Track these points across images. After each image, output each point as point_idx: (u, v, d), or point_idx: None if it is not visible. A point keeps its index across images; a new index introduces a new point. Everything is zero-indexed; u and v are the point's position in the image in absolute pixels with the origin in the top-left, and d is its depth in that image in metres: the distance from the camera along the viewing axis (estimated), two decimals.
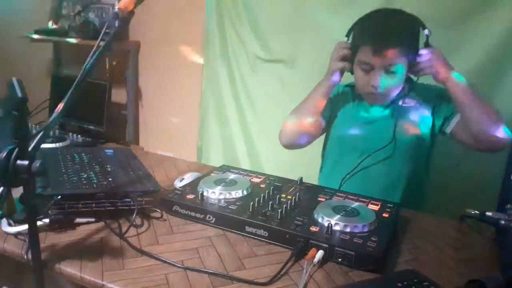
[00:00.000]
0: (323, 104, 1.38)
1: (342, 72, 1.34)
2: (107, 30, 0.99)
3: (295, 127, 1.40)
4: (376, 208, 1.13)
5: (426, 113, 1.35)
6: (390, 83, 1.27)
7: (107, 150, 1.42)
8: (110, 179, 1.15)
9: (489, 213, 1.08)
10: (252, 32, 2.07)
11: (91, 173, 1.18)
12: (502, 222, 1.04)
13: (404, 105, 1.34)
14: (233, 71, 2.16)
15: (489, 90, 1.59)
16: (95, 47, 0.93)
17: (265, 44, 2.05)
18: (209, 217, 1.07)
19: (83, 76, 0.91)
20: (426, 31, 1.25)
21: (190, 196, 1.13)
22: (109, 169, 1.23)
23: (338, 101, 1.46)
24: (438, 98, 1.34)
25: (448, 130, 1.33)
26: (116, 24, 1.05)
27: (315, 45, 1.90)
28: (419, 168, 1.40)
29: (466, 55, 1.61)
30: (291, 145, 1.44)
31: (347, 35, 1.32)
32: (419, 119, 1.35)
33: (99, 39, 0.95)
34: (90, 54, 0.93)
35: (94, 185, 1.10)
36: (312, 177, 1.48)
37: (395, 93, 1.32)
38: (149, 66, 2.46)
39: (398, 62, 1.24)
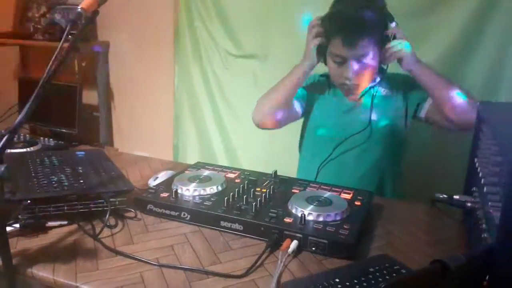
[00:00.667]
0: (301, 83, 1.38)
1: (319, 54, 1.34)
2: (71, 31, 0.98)
3: (270, 102, 1.39)
4: (348, 197, 1.15)
5: (399, 100, 1.39)
6: (362, 74, 1.30)
7: (78, 153, 1.40)
8: (81, 181, 1.14)
9: (456, 197, 1.12)
10: (222, 28, 2.07)
11: (62, 175, 1.16)
12: (468, 204, 1.07)
13: (377, 93, 1.37)
14: (206, 67, 2.16)
15: (456, 74, 1.65)
16: (58, 48, 0.92)
17: (236, 39, 2.06)
18: (184, 214, 1.07)
19: (47, 78, 0.90)
20: (393, 24, 1.28)
21: (164, 195, 1.13)
22: (80, 171, 1.22)
23: (314, 91, 1.48)
24: (409, 86, 1.38)
25: (422, 114, 1.37)
26: (80, 24, 1.04)
27: (287, 38, 1.91)
28: (394, 154, 1.43)
29: (433, 43, 1.68)
30: (265, 123, 1.43)
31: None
32: (392, 106, 1.39)
33: (62, 41, 0.94)
34: (53, 56, 0.92)
35: (65, 188, 1.09)
36: (290, 171, 1.50)
37: (368, 83, 1.35)
38: (120, 66, 2.44)
39: (369, 52, 1.26)
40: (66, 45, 0.94)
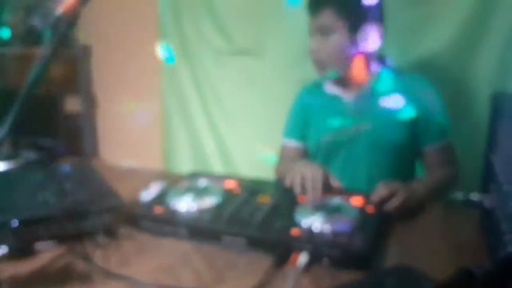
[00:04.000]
0: None
1: None
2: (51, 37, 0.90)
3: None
4: (358, 203, 1.09)
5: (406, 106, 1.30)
6: (324, 47, 1.24)
7: (63, 167, 1.31)
8: (69, 198, 1.05)
9: (473, 196, 1.06)
10: (213, 24, 1.97)
11: (48, 193, 1.07)
12: (486, 204, 1.02)
13: (381, 83, 1.31)
14: (195, 67, 2.06)
15: (462, 65, 1.58)
16: (40, 56, 0.84)
17: (228, 36, 1.95)
18: (182, 230, 0.99)
19: (28, 90, 0.82)
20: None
21: (159, 209, 1.05)
22: (67, 187, 1.13)
23: (311, 111, 1.42)
24: (425, 106, 1.29)
25: (426, 148, 1.32)
26: (60, 29, 0.96)
27: (282, 34, 1.83)
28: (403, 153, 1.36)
29: (437, 33, 1.59)
30: None
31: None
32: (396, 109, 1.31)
33: (43, 47, 0.86)
34: (34, 65, 0.84)
35: (52, 207, 1.00)
36: None
37: (337, 61, 1.27)
38: (103, 71, 2.34)
39: (332, 25, 1.21)
40: (46, 51, 0.87)
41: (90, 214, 1.00)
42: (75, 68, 2.28)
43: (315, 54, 1.27)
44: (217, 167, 2.11)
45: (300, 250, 0.89)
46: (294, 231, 0.93)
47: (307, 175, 1.11)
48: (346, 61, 1.27)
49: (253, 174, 1.98)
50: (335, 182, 1.13)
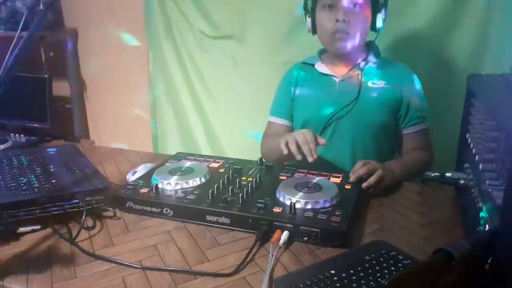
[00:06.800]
0: None
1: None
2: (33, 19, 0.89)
3: (274, 157, 1.30)
4: (338, 181, 1.11)
5: (391, 92, 1.35)
6: (355, 21, 1.27)
7: (49, 149, 1.31)
8: (53, 181, 1.06)
9: (448, 174, 1.08)
10: (195, 7, 1.96)
11: (32, 176, 1.08)
12: (461, 181, 1.04)
13: (369, 68, 1.36)
14: (181, 51, 2.06)
15: (439, 45, 1.62)
16: (15, 39, 0.84)
17: (211, 19, 1.95)
18: (167, 210, 1.01)
19: (5, 72, 0.81)
20: None
21: (144, 190, 1.06)
22: (52, 169, 1.14)
23: (302, 86, 1.43)
24: (408, 92, 1.35)
25: (404, 131, 1.37)
26: (39, 11, 0.95)
27: (264, 17, 1.83)
28: (384, 132, 1.39)
29: (415, 14, 1.63)
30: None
31: None
32: (384, 94, 1.35)
33: (19, 30, 0.86)
34: (11, 47, 0.84)
35: (36, 189, 1.01)
36: None
37: (359, 39, 1.31)
38: (91, 54, 2.32)
39: (362, 0, 1.26)
40: (24, 34, 0.86)
41: (75, 196, 1.00)
42: (63, 51, 2.26)
43: (346, 24, 1.27)
44: (205, 149, 2.12)
45: (281, 227, 0.91)
46: (276, 210, 0.95)
47: (301, 139, 1.13)
48: (361, 36, 1.32)
49: (239, 155, 2.02)
50: (322, 141, 1.16)
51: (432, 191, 1.18)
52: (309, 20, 1.36)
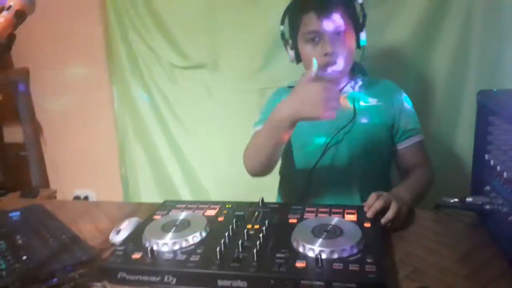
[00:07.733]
0: (284, 141, 1.16)
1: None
2: None
3: (258, 161, 1.22)
4: (354, 218, 1.00)
5: (384, 108, 1.32)
6: (343, 50, 1.22)
7: (11, 214, 1.11)
8: (24, 257, 0.87)
9: (469, 199, 1.01)
10: (162, 38, 1.84)
11: None
12: (487, 206, 0.96)
13: (359, 87, 1.33)
14: (149, 85, 1.92)
15: (424, 52, 1.62)
16: None
17: (180, 49, 1.84)
18: (168, 278, 0.85)
19: None
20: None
21: (137, 255, 0.90)
22: (19, 241, 0.95)
23: None
24: (399, 106, 1.33)
25: (399, 146, 1.33)
26: None
27: (238, 42, 1.75)
28: (382, 157, 1.35)
29: (397, 27, 1.62)
30: (258, 175, 1.27)
31: (282, 21, 1.29)
32: (377, 111, 1.31)
33: None
34: None
35: (3, 273, 0.82)
36: (263, 184, 1.36)
37: (347, 66, 1.27)
38: (46, 94, 2.11)
39: (345, 26, 1.21)
40: None
41: (54, 274, 0.82)
42: (13, 93, 2.03)
43: (335, 55, 1.21)
44: (182, 188, 1.97)
45: (310, 286, 0.78)
46: (299, 264, 0.82)
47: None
48: (350, 61, 1.28)
49: (219, 190, 1.89)
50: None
51: (448, 217, 1.10)
52: (291, 52, 1.30)
